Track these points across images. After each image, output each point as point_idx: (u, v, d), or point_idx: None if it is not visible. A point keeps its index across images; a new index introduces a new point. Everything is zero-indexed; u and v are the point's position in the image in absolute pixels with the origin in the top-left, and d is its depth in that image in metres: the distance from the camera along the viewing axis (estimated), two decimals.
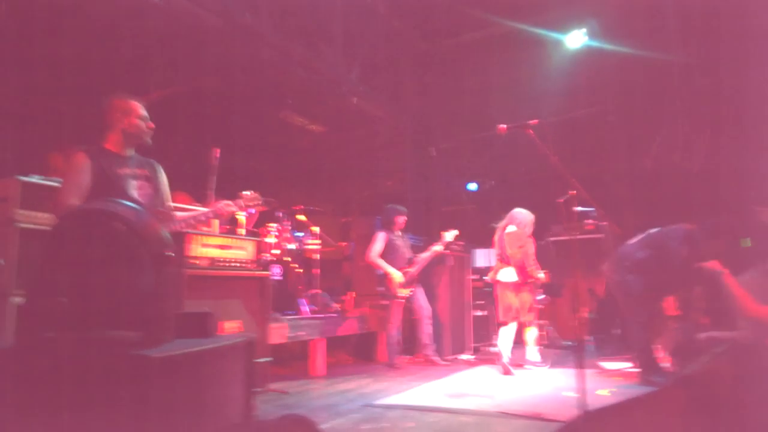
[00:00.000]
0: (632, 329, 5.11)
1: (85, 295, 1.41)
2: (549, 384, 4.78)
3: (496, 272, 5.59)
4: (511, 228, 5.50)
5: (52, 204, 2.93)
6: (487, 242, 8.76)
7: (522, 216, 5.54)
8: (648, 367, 4.76)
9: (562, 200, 3.75)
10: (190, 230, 3.48)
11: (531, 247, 5.49)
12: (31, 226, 3.22)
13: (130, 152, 3.05)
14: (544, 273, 5.70)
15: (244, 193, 3.46)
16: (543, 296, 5.83)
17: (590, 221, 7.28)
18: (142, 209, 1.60)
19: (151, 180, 3.01)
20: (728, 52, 6.04)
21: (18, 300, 3.01)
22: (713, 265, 3.87)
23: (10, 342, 1.48)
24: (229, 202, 3.32)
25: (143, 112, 3.01)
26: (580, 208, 4.26)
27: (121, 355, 1.32)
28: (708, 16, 6.27)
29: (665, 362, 4.99)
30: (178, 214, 3.18)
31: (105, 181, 2.78)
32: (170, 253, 1.56)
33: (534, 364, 5.63)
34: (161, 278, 1.50)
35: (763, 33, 5.34)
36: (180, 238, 3.25)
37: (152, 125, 3.04)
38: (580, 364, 3.26)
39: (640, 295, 4.82)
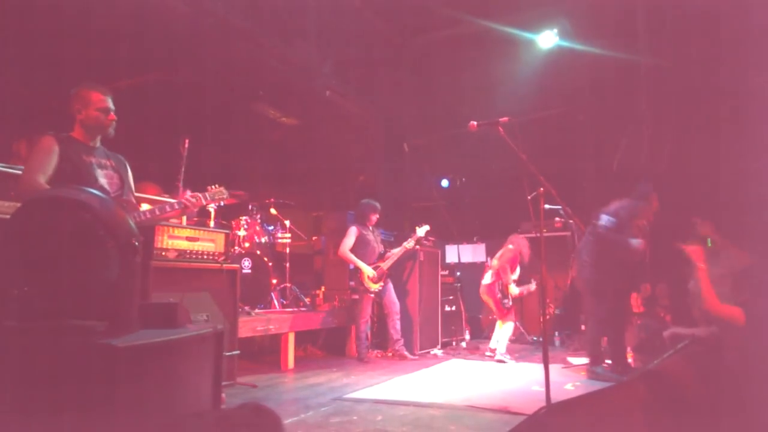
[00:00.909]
0: (589, 324, 5.33)
1: (48, 284, 1.38)
2: (517, 379, 4.86)
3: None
4: (509, 247, 6.17)
5: (17, 183, 2.83)
6: (457, 238, 8.87)
7: (518, 240, 6.22)
8: (594, 360, 4.93)
9: (530, 197, 3.81)
10: (155, 222, 3.42)
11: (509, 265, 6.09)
12: None
13: (96, 143, 2.98)
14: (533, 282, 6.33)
15: (210, 186, 3.41)
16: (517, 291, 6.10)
17: (558, 219, 7.45)
18: (108, 198, 1.56)
19: (117, 171, 2.95)
20: (698, 52, 6.20)
21: None
22: (694, 252, 3.91)
23: None
24: (198, 194, 3.27)
25: (105, 104, 2.90)
26: (548, 206, 4.36)
27: (85, 344, 1.29)
28: (678, 17, 6.42)
29: (628, 357, 5.13)
30: (143, 207, 3.12)
31: (71, 167, 2.71)
32: (136, 243, 1.54)
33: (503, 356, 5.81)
34: (127, 268, 1.48)
35: (732, 33, 5.49)
36: (147, 229, 3.19)
37: (113, 117, 2.93)
38: (546, 359, 3.33)
39: (598, 290, 4.97)
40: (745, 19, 5.20)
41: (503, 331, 5.96)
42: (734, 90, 5.55)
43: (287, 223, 6.64)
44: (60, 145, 2.75)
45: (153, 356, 1.42)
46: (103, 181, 2.80)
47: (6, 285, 1.38)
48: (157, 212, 3.03)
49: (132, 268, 1.49)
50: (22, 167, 3.40)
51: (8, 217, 3.07)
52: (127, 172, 3.08)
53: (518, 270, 6.20)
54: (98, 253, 1.40)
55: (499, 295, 5.98)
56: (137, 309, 1.52)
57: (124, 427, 1.22)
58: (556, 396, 3.27)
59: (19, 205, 1.61)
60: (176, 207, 3.17)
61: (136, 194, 3.24)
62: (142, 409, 1.33)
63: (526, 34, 7.70)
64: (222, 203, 3.43)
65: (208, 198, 3.34)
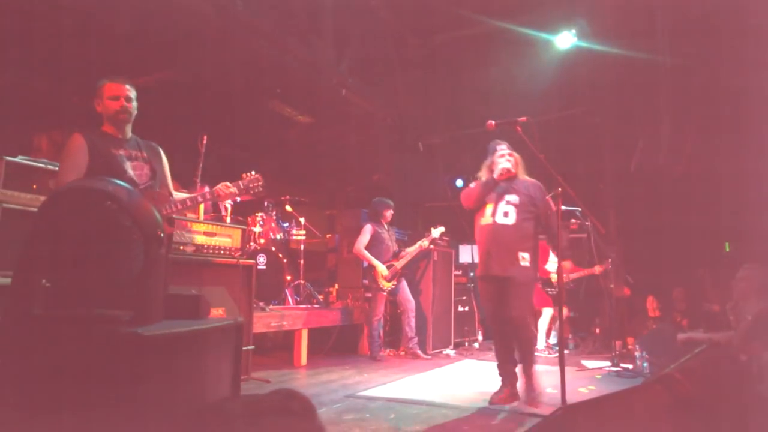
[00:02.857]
0: None
1: (75, 273, 1.40)
2: None
3: None
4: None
5: (52, 183, 2.89)
6: (471, 239, 8.83)
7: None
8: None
9: (548, 198, 3.79)
10: (179, 215, 3.43)
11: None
12: (14, 206, 3.18)
13: (126, 134, 3.01)
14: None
15: (245, 174, 3.30)
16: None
17: (574, 220, 7.41)
18: (134, 189, 1.58)
19: (148, 161, 2.97)
20: (717, 53, 6.12)
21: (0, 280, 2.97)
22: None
23: None
24: (229, 184, 3.21)
25: (114, 91, 2.90)
26: (565, 207, 4.34)
27: (112, 333, 1.31)
28: (698, 16, 6.34)
29: (644, 361, 5.09)
30: (177, 195, 3.13)
31: (101, 161, 2.75)
32: (161, 234, 1.55)
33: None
34: (152, 258, 1.49)
35: (755, 31, 5.40)
36: (168, 222, 3.22)
37: (122, 102, 2.90)
38: (561, 361, 3.32)
39: None
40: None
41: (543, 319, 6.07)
42: (756, 89, 5.47)
43: (302, 220, 6.66)
44: (88, 141, 2.78)
45: (178, 346, 1.43)
46: (132, 173, 2.83)
47: (34, 275, 1.40)
48: (189, 203, 3.03)
49: (157, 259, 1.51)
50: (43, 160, 3.48)
51: (29, 208, 3.16)
52: (160, 161, 3.08)
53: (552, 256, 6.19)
54: (124, 243, 1.42)
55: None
56: (161, 299, 1.54)
57: (151, 415, 1.24)
58: (571, 398, 3.26)
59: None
60: (208, 197, 3.17)
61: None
62: (167, 397, 1.35)
63: (544, 35, 7.66)
64: (259, 189, 3.25)
65: (242, 187, 3.21)
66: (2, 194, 3.14)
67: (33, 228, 1.44)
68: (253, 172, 3.29)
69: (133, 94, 3.00)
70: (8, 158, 3.23)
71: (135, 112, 3.01)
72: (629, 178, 7.54)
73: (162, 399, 1.31)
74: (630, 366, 5.25)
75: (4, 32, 4.96)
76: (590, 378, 4.96)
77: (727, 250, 6.76)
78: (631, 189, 7.64)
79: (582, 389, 4.41)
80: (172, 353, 1.41)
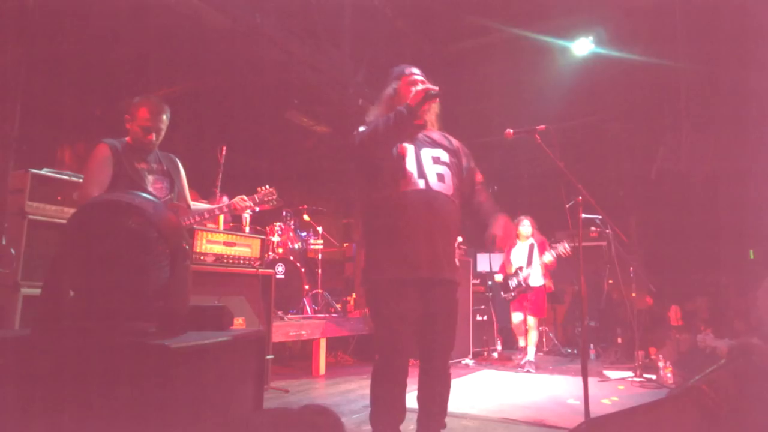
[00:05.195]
0: None
1: (102, 286, 1.42)
2: (551, 391, 4.78)
3: None
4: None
5: (76, 195, 2.95)
6: (489, 247, 8.78)
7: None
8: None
9: (568, 206, 3.75)
10: (199, 226, 3.49)
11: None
12: (40, 217, 3.24)
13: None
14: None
15: (259, 188, 3.42)
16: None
17: (594, 228, 7.32)
18: (160, 202, 1.60)
19: (168, 174, 3.01)
20: (737, 55, 6.04)
21: (26, 290, 3.02)
22: None
23: (26, 331, 1.48)
24: (245, 197, 3.31)
25: (148, 123, 2.88)
26: (585, 215, 4.29)
27: (139, 344, 1.32)
28: (717, 22, 6.26)
29: (668, 372, 5.00)
30: (194, 207, 3.18)
31: (124, 174, 2.79)
32: (186, 246, 1.57)
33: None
34: (177, 270, 1.51)
35: None
36: (187, 233, 3.26)
37: (151, 138, 2.91)
38: (584, 372, 3.27)
39: None
40: None
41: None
42: None
43: (320, 229, 6.69)
44: (114, 152, 2.82)
45: (204, 357, 1.44)
46: (153, 186, 2.87)
47: (63, 287, 1.43)
48: (206, 215, 3.09)
49: (182, 270, 1.53)
50: (67, 172, 3.54)
51: (54, 219, 3.22)
52: (179, 173, 3.12)
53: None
54: (151, 256, 1.44)
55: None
56: (186, 311, 1.55)
57: (178, 427, 1.24)
58: (594, 410, 3.20)
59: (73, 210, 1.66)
60: (225, 209, 3.24)
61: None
62: (193, 409, 1.35)
63: (561, 42, 7.63)
64: (273, 202, 3.39)
65: (257, 201, 3.33)
66: (29, 206, 3.21)
67: (61, 241, 1.46)
68: (267, 186, 3.42)
69: (166, 122, 2.97)
70: (34, 171, 3.30)
71: (161, 137, 3.02)
72: (650, 185, 7.45)
73: (189, 411, 1.32)
74: (653, 377, 5.16)
75: (27, 46, 5.07)
76: (613, 389, 4.88)
77: (752, 257, 6.62)
78: (653, 196, 7.55)
79: (605, 401, 4.34)
80: (199, 365, 1.42)
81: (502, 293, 6.21)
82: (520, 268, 6.02)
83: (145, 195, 1.56)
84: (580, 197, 3.49)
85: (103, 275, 1.40)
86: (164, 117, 2.95)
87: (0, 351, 1.34)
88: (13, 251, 2.97)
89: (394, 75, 2.77)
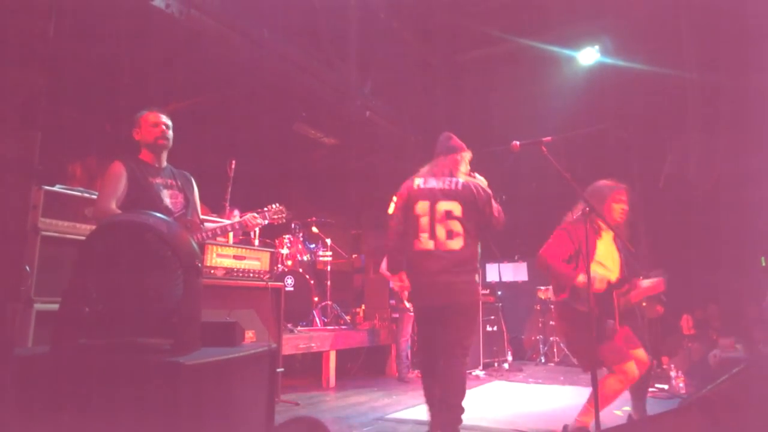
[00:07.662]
0: None
1: (118, 303, 1.45)
2: (562, 402, 4.75)
3: None
4: None
5: (93, 209, 3.04)
6: (498, 257, 8.77)
7: None
8: None
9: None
10: (210, 240, 3.55)
11: None
12: (53, 233, 3.28)
13: (162, 163, 3.11)
14: None
15: (270, 206, 3.54)
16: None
17: None
18: (173, 221, 1.64)
19: (182, 190, 3.06)
20: (744, 62, 6.03)
21: (40, 306, 3.06)
22: None
23: (45, 348, 1.51)
24: (256, 215, 3.41)
25: (155, 119, 3.03)
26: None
27: (153, 361, 1.35)
28: (723, 29, 6.26)
29: (680, 381, 4.96)
30: (206, 224, 3.24)
31: (138, 189, 2.85)
32: (199, 264, 1.60)
33: None
34: (190, 288, 1.53)
35: None
36: (199, 248, 3.31)
37: (162, 129, 3.03)
38: (594, 383, 3.25)
39: None
40: None
41: None
42: None
43: (328, 241, 6.72)
44: (128, 169, 2.89)
45: (216, 373, 1.46)
46: (168, 201, 2.92)
47: (80, 304, 1.45)
48: (219, 231, 3.15)
49: (195, 288, 1.55)
50: (79, 188, 3.60)
51: (67, 236, 3.26)
52: (192, 190, 3.19)
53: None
54: (165, 274, 1.47)
55: None
56: (199, 327, 1.58)
57: None
58: (605, 421, 3.18)
59: (92, 227, 1.69)
60: (237, 227, 3.31)
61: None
62: (205, 426, 1.37)
63: (567, 52, 7.66)
64: (282, 220, 3.53)
65: (268, 218, 3.47)
66: (42, 222, 3.25)
67: (79, 259, 1.50)
68: (276, 204, 3.57)
69: (170, 123, 3.11)
70: (46, 187, 3.35)
71: (171, 142, 3.11)
72: (658, 193, 7.42)
73: (202, 427, 1.34)
74: (665, 386, 5.12)
75: (49, 77, 5.15)
76: (624, 399, 4.84)
77: (764, 264, 6.57)
78: (661, 204, 7.51)
79: (617, 412, 4.31)
80: (212, 381, 1.43)
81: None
82: None
83: (159, 215, 1.59)
84: (587, 208, 3.49)
85: (119, 293, 1.43)
86: (165, 117, 3.08)
87: (22, 369, 1.37)
88: (27, 268, 3.01)
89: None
